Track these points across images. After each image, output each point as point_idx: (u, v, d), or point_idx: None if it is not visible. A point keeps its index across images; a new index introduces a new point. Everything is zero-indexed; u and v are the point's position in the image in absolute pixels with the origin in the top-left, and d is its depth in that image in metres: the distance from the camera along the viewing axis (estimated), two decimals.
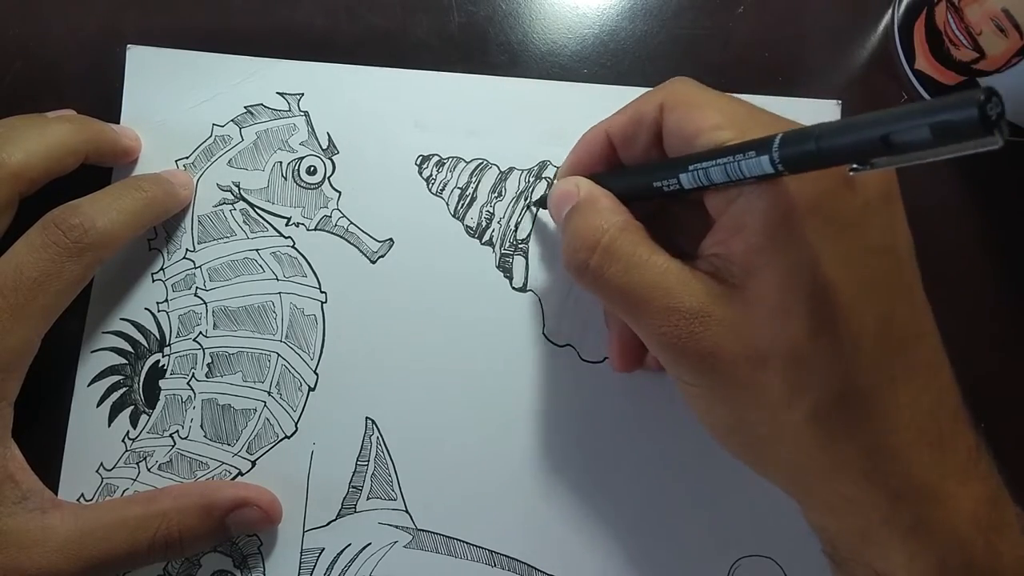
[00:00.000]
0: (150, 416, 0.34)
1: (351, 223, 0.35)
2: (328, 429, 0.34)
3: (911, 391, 0.24)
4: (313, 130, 0.36)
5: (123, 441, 0.33)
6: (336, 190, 0.35)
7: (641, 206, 0.29)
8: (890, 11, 0.37)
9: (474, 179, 0.35)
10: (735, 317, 0.24)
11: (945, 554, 0.23)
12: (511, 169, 0.35)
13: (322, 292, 0.34)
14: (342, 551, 0.33)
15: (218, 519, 0.31)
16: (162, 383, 0.34)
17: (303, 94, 0.36)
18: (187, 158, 0.35)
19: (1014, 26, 0.30)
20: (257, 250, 0.35)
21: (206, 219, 0.35)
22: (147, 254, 0.35)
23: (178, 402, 0.34)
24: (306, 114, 0.36)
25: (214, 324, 0.34)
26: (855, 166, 0.21)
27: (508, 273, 0.35)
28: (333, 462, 0.33)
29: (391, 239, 0.35)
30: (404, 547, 0.33)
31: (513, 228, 0.35)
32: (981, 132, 0.17)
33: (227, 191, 0.35)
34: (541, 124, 0.35)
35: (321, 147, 0.35)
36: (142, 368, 0.34)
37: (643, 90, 0.35)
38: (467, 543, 0.33)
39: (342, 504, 0.33)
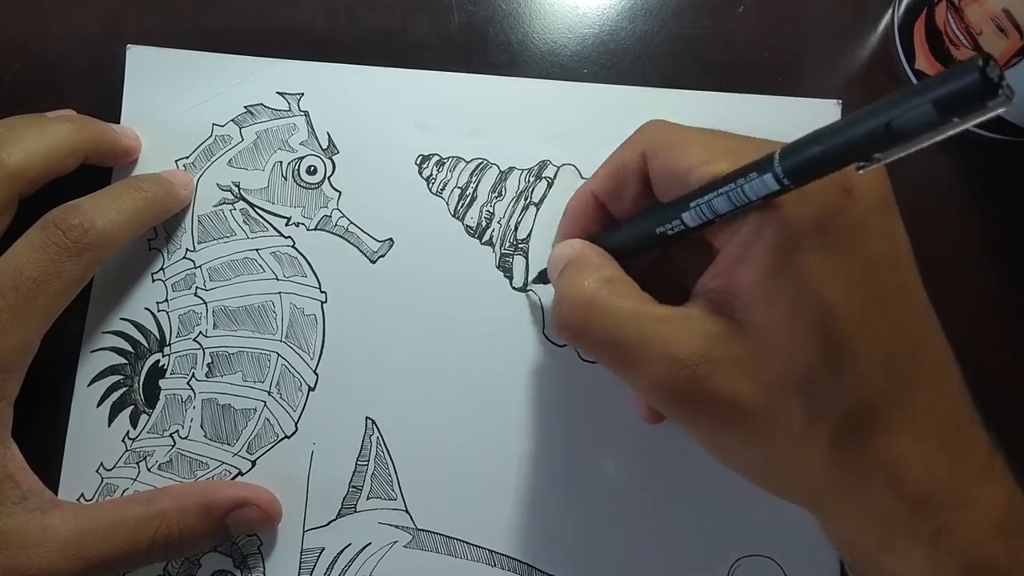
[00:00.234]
0: (150, 416, 0.34)
1: (351, 223, 0.35)
2: (328, 429, 0.34)
3: (926, 399, 0.23)
4: (313, 130, 0.36)
5: (123, 441, 0.33)
6: (336, 190, 0.35)
7: (643, 256, 0.28)
8: (890, 11, 0.37)
9: (474, 179, 0.35)
10: (742, 354, 0.23)
11: (968, 559, 0.23)
12: (511, 169, 0.35)
13: (322, 292, 0.35)
14: (342, 551, 0.33)
15: (218, 519, 0.31)
16: (162, 383, 0.34)
17: (303, 94, 0.36)
18: (187, 158, 0.35)
19: (1014, 26, 0.30)
20: (257, 250, 0.35)
21: (206, 219, 0.35)
22: (147, 254, 0.35)
23: (178, 402, 0.34)
24: (306, 114, 0.36)
25: (214, 324, 0.34)
26: (862, 164, 0.20)
27: (508, 273, 0.35)
28: (333, 462, 0.33)
29: (391, 239, 0.35)
30: (404, 547, 0.33)
31: (513, 228, 0.35)
32: (985, 96, 0.17)
33: (227, 191, 0.35)
34: (541, 124, 0.35)
35: (321, 147, 0.35)
36: (142, 368, 0.34)
37: (643, 90, 0.36)
38: (467, 543, 0.33)
39: (342, 504, 0.33)
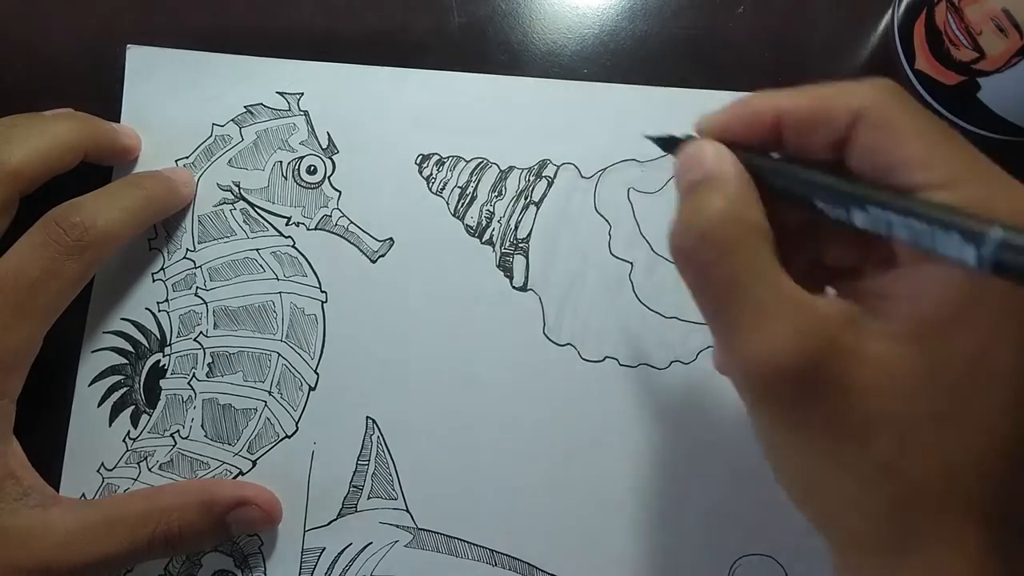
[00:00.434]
0: (151, 416, 0.34)
1: (351, 222, 0.35)
2: (329, 428, 0.34)
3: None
4: (313, 130, 0.36)
5: (124, 441, 0.33)
6: (336, 189, 0.35)
7: (782, 208, 0.24)
8: (890, 11, 0.37)
9: (474, 178, 0.35)
10: (858, 376, 0.21)
11: None
12: (511, 168, 0.35)
13: (322, 292, 0.35)
14: (343, 550, 0.33)
15: (218, 516, 0.31)
16: (163, 383, 0.34)
17: (303, 94, 0.36)
18: (187, 158, 0.35)
19: (1014, 26, 0.30)
20: (257, 250, 0.35)
21: (206, 219, 0.35)
22: (147, 254, 0.35)
23: (179, 402, 0.34)
24: (306, 114, 0.36)
25: (214, 324, 0.34)
26: None
27: (508, 272, 0.35)
28: (334, 461, 0.33)
29: (391, 238, 0.35)
30: (405, 546, 0.33)
31: (513, 227, 0.35)
32: None
33: (227, 191, 0.35)
34: (541, 123, 0.35)
35: (321, 146, 0.35)
36: (143, 368, 0.34)
37: (643, 89, 0.36)
38: (468, 542, 0.33)
39: (343, 503, 0.33)
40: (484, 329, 0.34)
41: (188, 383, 0.34)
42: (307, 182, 0.35)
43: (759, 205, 0.23)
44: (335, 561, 0.33)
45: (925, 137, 0.21)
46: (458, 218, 0.35)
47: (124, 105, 0.35)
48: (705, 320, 0.23)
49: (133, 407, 0.34)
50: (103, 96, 0.35)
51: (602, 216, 0.35)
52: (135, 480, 0.33)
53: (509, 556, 0.33)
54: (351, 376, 0.34)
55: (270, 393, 0.34)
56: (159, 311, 0.34)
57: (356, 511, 0.33)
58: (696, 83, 0.36)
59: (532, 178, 0.35)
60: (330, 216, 0.35)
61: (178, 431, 0.34)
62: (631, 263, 0.34)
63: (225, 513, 0.31)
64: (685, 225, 0.23)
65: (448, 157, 0.35)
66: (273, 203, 0.35)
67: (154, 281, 0.35)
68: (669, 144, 0.27)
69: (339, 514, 0.33)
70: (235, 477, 0.33)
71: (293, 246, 0.35)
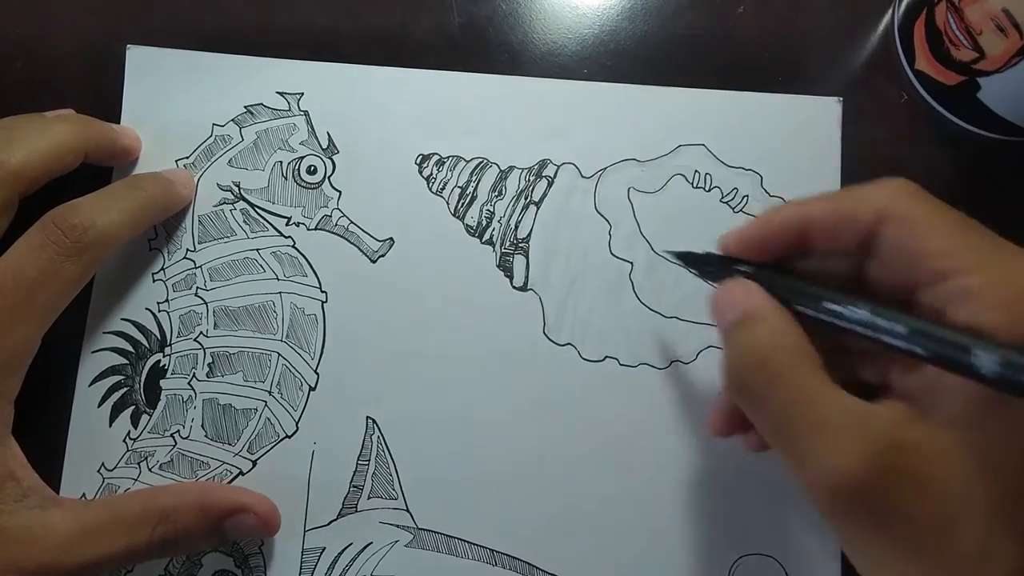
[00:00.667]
0: (151, 416, 0.34)
1: (351, 222, 0.35)
2: (329, 428, 0.34)
3: None
4: (313, 130, 0.36)
5: (124, 441, 0.33)
6: (336, 189, 0.35)
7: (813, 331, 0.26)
8: (890, 11, 0.37)
9: (474, 178, 0.35)
10: (927, 469, 0.21)
11: None
12: (511, 168, 0.35)
13: (322, 292, 0.35)
14: (343, 550, 0.33)
15: (215, 521, 0.31)
16: (163, 383, 0.34)
17: (303, 94, 0.36)
18: (187, 158, 0.35)
19: (1014, 26, 0.30)
20: (257, 250, 0.35)
21: (206, 219, 0.35)
22: (147, 254, 0.35)
23: (179, 402, 0.34)
24: (306, 114, 0.36)
25: (215, 324, 0.34)
26: None
27: (508, 272, 0.35)
28: (334, 461, 0.33)
29: (391, 238, 0.35)
30: (405, 546, 0.33)
31: (513, 227, 0.35)
32: None
33: (227, 191, 0.35)
34: (541, 123, 0.35)
35: (321, 146, 0.35)
36: (143, 368, 0.34)
37: (643, 88, 0.36)
38: (468, 542, 0.33)
39: (343, 503, 0.33)
40: (484, 329, 0.34)
41: (188, 383, 0.34)
42: (307, 182, 0.35)
43: (799, 330, 0.24)
44: (335, 561, 0.33)
45: (947, 228, 0.23)
46: (458, 218, 0.35)
47: (124, 105, 0.35)
48: (774, 448, 0.24)
49: (133, 407, 0.34)
50: (103, 96, 0.35)
51: (602, 216, 0.35)
52: (135, 480, 0.33)
53: (509, 556, 0.33)
54: (351, 376, 0.34)
55: (270, 393, 0.34)
56: (159, 311, 0.34)
57: (356, 511, 0.33)
58: (696, 83, 0.36)
59: (532, 178, 0.35)
60: (330, 216, 0.35)
61: (178, 431, 0.34)
62: (631, 263, 0.34)
63: (223, 518, 0.31)
64: (736, 362, 0.25)
65: (448, 157, 0.35)
66: (273, 203, 0.35)
67: (154, 281, 0.35)
68: (689, 260, 0.30)
69: (339, 514, 0.33)
70: (235, 477, 0.33)
71: (293, 246, 0.35)
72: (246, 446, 0.34)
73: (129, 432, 0.34)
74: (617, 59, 0.36)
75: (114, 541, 0.29)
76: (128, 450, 0.33)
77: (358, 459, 0.33)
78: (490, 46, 0.37)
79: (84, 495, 0.33)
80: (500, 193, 0.35)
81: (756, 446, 0.29)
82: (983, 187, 0.36)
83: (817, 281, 0.26)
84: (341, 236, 0.35)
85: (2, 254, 0.30)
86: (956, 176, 0.36)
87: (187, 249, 0.35)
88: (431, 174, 0.35)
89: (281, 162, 0.35)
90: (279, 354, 0.34)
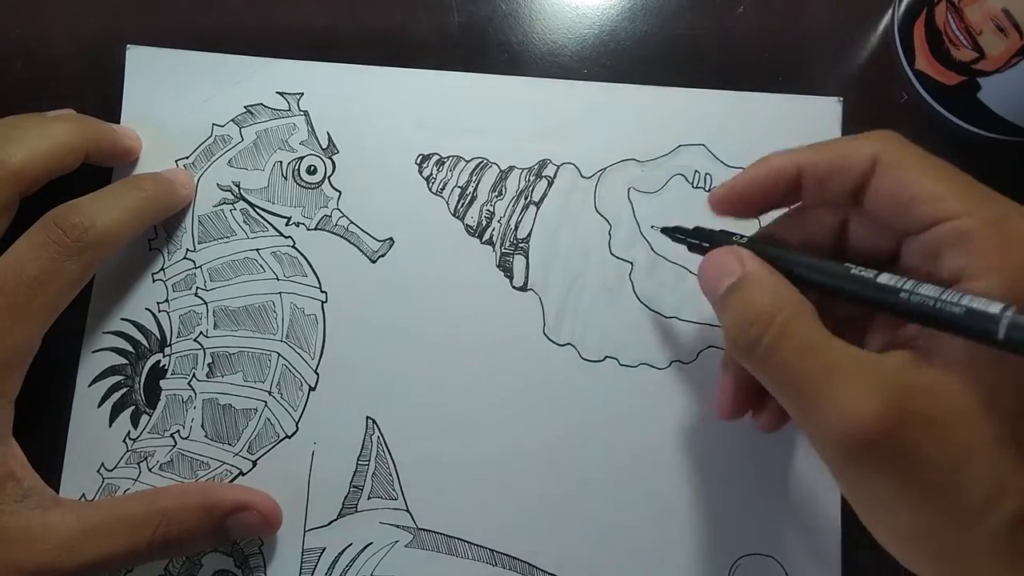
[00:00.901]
0: (151, 416, 0.34)
1: (351, 222, 0.35)
2: (329, 429, 0.34)
3: None
4: (313, 130, 0.36)
5: (124, 441, 0.33)
6: (336, 189, 0.35)
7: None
8: (890, 11, 0.37)
9: (474, 178, 0.35)
10: (937, 412, 0.22)
11: None
12: (511, 168, 0.35)
13: (322, 292, 0.35)
14: (343, 551, 0.33)
15: (218, 520, 0.31)
16: (163, 383, 0.34)
17: (303, 94, 0.36)
18: (187, 158, 0.35)
19: (1014, 26, 0.30)
20: (257, 250, 0.35)
21: (206, 219, 0.35)
22: (147, 254, 0.35)
23: (179, 402, 0.34)
24: (306, 114, 0.36)
25: (215, 324, 0.34)
26: None
27: (508, 272, 0.35)
28: (334, 462, 0.33)
29: (391, 238, 0.35)
30: (405, 546, 0.33)
31: (513, 227, 0.35)
32: None
33: (227, 191, 0.35)
34: (541, 123, 0.35)
35: (321, 147, 0.35)
36: (143, 368, 0.34)
37: (643, 88, 0.36)
38: (468, 542, 0.33)
39: (343, 504, 0.33)
40: (484, 329, 0.34)
41: (188, 383, 0.34)
42: (307, 182, 0.35)
43: (795, 289, 0.25)
44: (335, 561, 0.33)
45: (939, 174, 0.23)
46: (458, 218, 0.35)
47: (124, 105, 0.35)
48: (784, 405, 0.24)
49: (133, 407, 0.34)
50: (103, 96, 0.35)
51: (602, 216, 0.35)
52: (135, 480, 0.33)
53: (509, 556, 0.33)
54: (351, 376, 0.34)
55: (270, 393, 0.34)
56: (159, 311, 0.34)
57: (356, 511, 0.33)
58: (696, 83, 0.36)
59: (532, 178, 0.35)
60: (330, 216, 0.35)
61: (178, 431, 0.34)
62: (631, 263, 0.34)
63: (225, 517, 0.31)
64: (739, 321, 0.25)
65: (448, 157, 0.35)
66: (273, 203, 0.35)
67: (154, 281, 0.35)
68: (677, 234, 0.30)
69: (339, 514, 0.33)
70: (235, 477, 0.33)
71: (293, 246, 0.35)
72: (246, 446, 0.33)
73: (129, 432, 0.34)
74: (617, 59, 0.37)
75: (115, 542, 0.29)
76: (128, 450, 0.33)
77: (358, 459, 0.33)
78: (490, 46, 0.37)
79: (84, 495, 0.33)
80: (500, 193, 0.35)
81: (767, 425, 0.29)
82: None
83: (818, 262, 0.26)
84: (341, 236, 0.35)
85: (2, 253, 0.30)
86: None
87: (187, 249, 0.35)
88: (431, 174, 0.35)
89: (281, 162, 0.35)
90: (279, 354, 0.34)
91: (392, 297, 0.34)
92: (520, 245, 0.35)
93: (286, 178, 0.35)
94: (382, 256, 0.35)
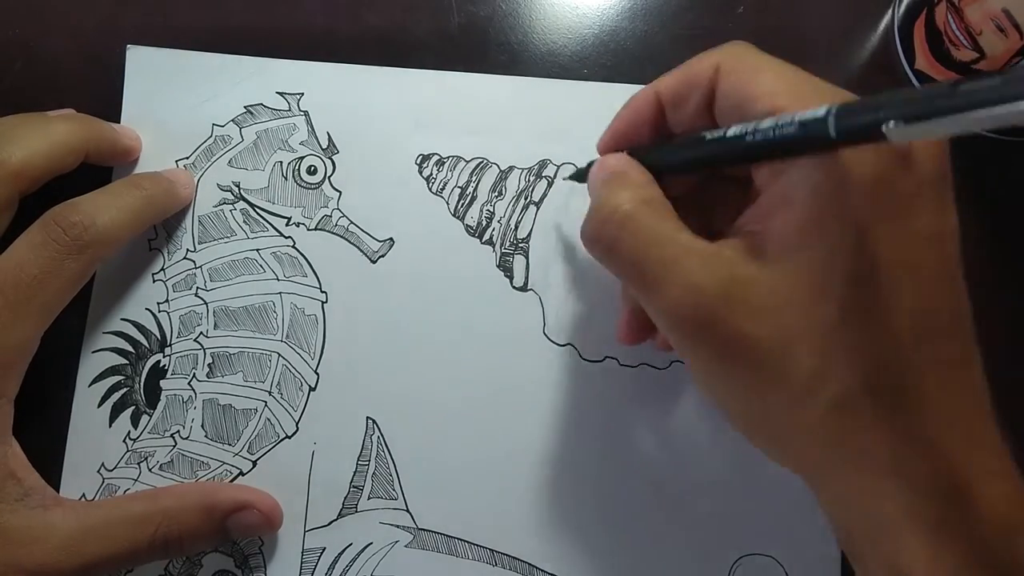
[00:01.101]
0: (151, 416, 0.34)
1: (351, 223, 0.35)
2: (329, 429, 0.34)
3: (944, 383, 0.23)
4: (313, 130, 0.36)
5: (124, 441, 0.33)
6: (336, 190, 0.35)
7: (682, 184, 0.28)
8: (890, 11, 0.37)
9: (474, 178, 0.35)
10: (763, 299, 0.23)
11: (970, 553, 0.22)
12: (511, 168, 0.35)
13: (322, 292, 0.35)
14: (343, 551, 0.33)
15: (218, 520, 0.31)
16: (163, 383, 0.34)
17: (303, 94, 0.36)
18: (187, 158, 0.35)
19: (1014, 26, 0.30)
20: (257, 250, 0.35)
21: (206, 219, 0.35)
22: (147, 254, 0.35)
23: (179, 402, 0.34)
24: (306, 114, 0.36)
25: (215, 324, 0.34)
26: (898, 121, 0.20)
27: (508, 272, 0.35)
28: (334, 462, 0.33)
29: (391, 239, 0.35)
30: (405, 547, 0.33)
31: (513, 227, 0.35)
32: None
33: (227, 191, 0.35)
34: (541, 123, 0.35)
35: (321, 147, 0.35)
36: (143, 368, 0.34)
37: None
38: (468, 542, 0.33)
39: (343, 504, 0.33)
40: (484, 329, 0.34)
41: (188, 383, 0.34)
42: (307, 182, 0.35)
43: (655, 186, 0.27)
44: (335, 561, 0.33)
45: (775, 72, 0.25)
46: (458, 218, 0.35)
47: (124, 105, 0.35)
48: (630, 289, 0.26)
49: (133, 407, 0.34)
50: (103, 96, 0.35)
51: None
52: (135, 481, 0.33)
53: (509, 556, 0.33)
54: (351, 376, 0.34)
55: (270, 393, 0.34)
56: (159, 311, 0.34)
57: (356, 511, 0.33)
58: None
59: (532, 178, 0.35)
60: (330, 216, 0.35)
61: (178, 431, 0.34)
62: None
63: (225, 517, 0.31)
64: (593, 215, 0.27)
65: (448, 157, 0.35)
66: (273, 203, 0.35)
67: (154, 281, 0.35)
68: (580, 175, 0.32)
69: (339, 514, 0.33)
70: (235, 477, 0.33)
71: (293, 246, 0.35)
72: (246, 446, 0.33)
73: (129, 432, 0.34)
74: (617, 59, 0.37)
75: (115, 542, 0.29)
76: (128, 450, 0.33)
77: (358, 459, 0.33)
78: (490, 46, 0.37)
79: (84, 495, 0.33)
80: (500, 193, 0.35)
81: (665, 344, 0.31)
82: (983, 187, 0.36)
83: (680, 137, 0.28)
84: (341, 236, 0.35)
85: (2, 252, 0.30)
86: (956, 176, 0.36)
87: (187, 249, 0.35)
88: (431, 174, 0.35)
89: (281, 162, 0.35)
90: (279, 354, 0.34)
91: (392, 297, 0.34)
92: (520, 245, 0.35)
93: (286, 178, 0.35)
94: (382, 256, 0.35)
